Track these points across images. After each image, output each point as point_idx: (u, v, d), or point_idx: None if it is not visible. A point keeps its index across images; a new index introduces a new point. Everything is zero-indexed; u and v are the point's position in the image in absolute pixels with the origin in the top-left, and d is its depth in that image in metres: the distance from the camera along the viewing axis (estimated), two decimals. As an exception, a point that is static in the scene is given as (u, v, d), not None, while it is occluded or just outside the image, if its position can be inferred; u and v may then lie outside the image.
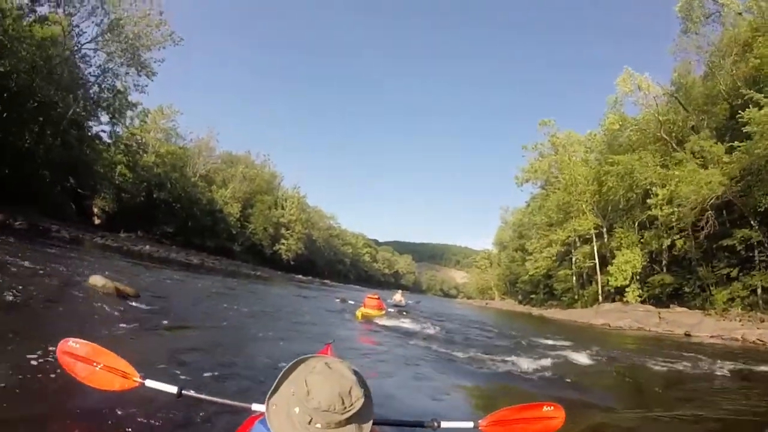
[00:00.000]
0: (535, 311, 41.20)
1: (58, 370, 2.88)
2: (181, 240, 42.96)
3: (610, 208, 36.01)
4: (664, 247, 29.37)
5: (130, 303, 6.45)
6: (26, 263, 7.92)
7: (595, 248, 37.04)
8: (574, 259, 40.95)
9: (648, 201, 28.10)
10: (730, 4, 25.86)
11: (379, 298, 12.88)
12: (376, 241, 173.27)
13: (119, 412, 2.53)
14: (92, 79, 31.86)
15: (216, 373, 3.85)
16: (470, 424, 1.93)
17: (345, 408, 0.97)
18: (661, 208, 26.29)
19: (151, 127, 45.89)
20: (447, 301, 72.36)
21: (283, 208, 66.22)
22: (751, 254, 22.77)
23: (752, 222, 22.20)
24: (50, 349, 3.22)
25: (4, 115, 24.15)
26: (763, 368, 8.45)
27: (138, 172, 40.21)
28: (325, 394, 0.96)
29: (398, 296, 18.27)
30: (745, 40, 24.75)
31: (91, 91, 32.09)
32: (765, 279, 21.28)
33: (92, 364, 2.07)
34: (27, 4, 26.58)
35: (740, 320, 19.74)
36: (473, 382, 5.66)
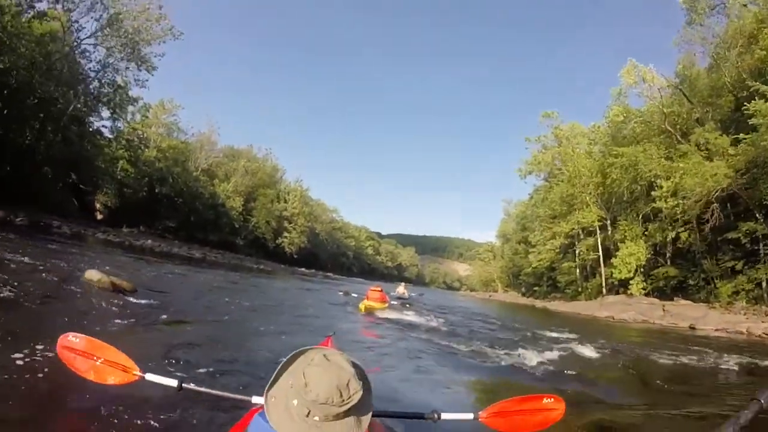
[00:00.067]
0: (539, 303, 41.13)
1: (47, 369, 2.87)
2: (184, 234, 43.11)
3: (614, 200, 35.96)
4: (668, 239, 29.26)
5: (127, 298, 6.38)
6: (25, 259, 7.89)
7: (599, 240, 36.96)
8: (577, 252, 40.85)
9: (652, 193, 27.92)
10: (735, -5, 25.61)
11: (382, 291, 12.90)
12: (379, 234, 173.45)
13: (120, 406, 2.51)
14: (92, 74, 31.79)
15: (216, 368, 3.81)
16: (470, 416, 1.94)
17: (343, 401, 0.97)
18: (665, 201, 26.18)
19: (152, 122, 45.92)
20: (450, 294, 72.52)
21: (285, 202, 66.24)
22: (756, 247, 22.63)
23: (757, 215, 22.07)
24: (38, 347, 3.19)
25: (5, 112, 24.17)
26: (769, 362, 8.37)
27: (140, 167, 40.26)
28: (323, 386, 0.96)
29: (401, 289, 18.31)
30: (750, 31, 24.53)
31: (91, 87, 32.02)
32: (770, 272, 21.16)
33: (92, 358, 2.07)
34: (26, 0, 26.47)
35: (745, 313, 19.68)
36: (476, 375, 5.62)
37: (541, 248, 44.95)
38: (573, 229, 39.78)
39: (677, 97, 29.80)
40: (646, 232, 31.56)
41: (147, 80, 32.84)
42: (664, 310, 23.04)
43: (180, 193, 44.85)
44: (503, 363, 6.22)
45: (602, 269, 35.77)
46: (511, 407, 1.97)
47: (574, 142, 42.56)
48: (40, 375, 2.82)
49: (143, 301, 6.41)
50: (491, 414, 1.94)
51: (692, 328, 18.22)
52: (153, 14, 30.68)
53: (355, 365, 1.07)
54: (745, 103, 20.98)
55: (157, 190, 42.81)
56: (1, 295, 4.89)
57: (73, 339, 2.10)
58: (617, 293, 31.83)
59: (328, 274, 58.84)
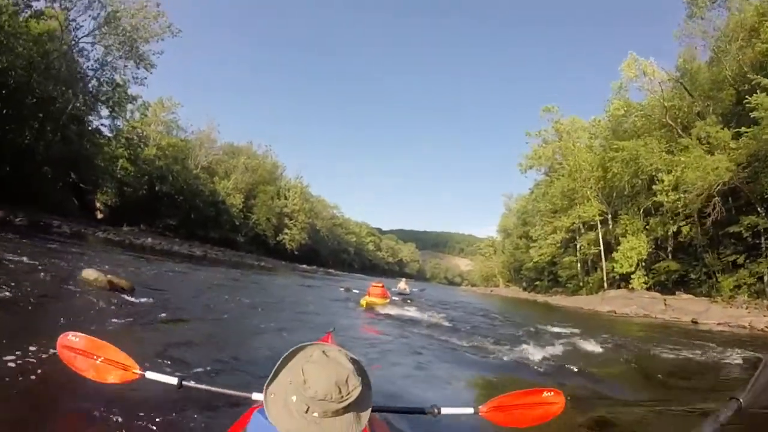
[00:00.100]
0: (540, 298, 41.16)
1: (46, 369, 2.86)
2: (184, 232, 43.16)
3: (615, 194, 35.89)
4: (669, 233, 29.16)
5: (124, 296, 6.31)
6: (24, 259, 7.86)
7: (600, 235, 36.94)
8: (578, 246, 40.79)
9: (653, 187, 27.87)
10: (737, -12, 25.49)
11: (383, 287, 12.87)
12: (379, 230, 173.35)
13: (120, 405, 2.50)
14: (91, 73, 31.73)
15: (216, 366, 3.80)
16: (470, 410, 1.94)
17: (342, 397, 0.96)
18: (666, 195, 26.15)
19: (151, 120, 45.76)
20: (451, 289, 72.56)
21: (286, 198, 66.27)
22: (757, 241, 22.59)
23: (759, 209, 22.02)
24: (35, 347, 3.17)
25: (4, 112, 24.17)
26: (772, 356, 8.33)
27: (140, 165, 40.17)
28: (321, 382, 0.95)
29: (402, 284, 18.31)
30: (751, 25, 24.41)
31: (90, 85, 31.96)
32: (772, 266, 21.12)
33: (92, 357, 2.07)
34: (23, 0, 26.40)
35: (747, 307, 19.71)
36: (477, 371, 5.61)
37: (542, 243, 44.90)
38: (574, 223, 39.75)
39: (678, 90, 29.70)
40: (647, 226, 31.56)
41: (146, 78, 32.87)
42: (665, 304, 23.04)
43: (180, 190, 44.83)
44: (504, 358, 6.21)
45: (603, 263, 35.76)
46: (510, 401, 1.97)
47: (574, 137, 42.41)
48: (39, 375, 2.81)
49: (142, 300, 6.36)
50: (491, 408, 1.95)
51: (694, 322, 18.23)
52: (150, 12, 30.57)
53: (354, 361, 1.06)
54: (747, 97, 20.93)
55: (157, 188, 42.78)
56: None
57: (73, 338, 2.10)
58: (619, 287, 31.81)
59: (329, 270, 58.99)
